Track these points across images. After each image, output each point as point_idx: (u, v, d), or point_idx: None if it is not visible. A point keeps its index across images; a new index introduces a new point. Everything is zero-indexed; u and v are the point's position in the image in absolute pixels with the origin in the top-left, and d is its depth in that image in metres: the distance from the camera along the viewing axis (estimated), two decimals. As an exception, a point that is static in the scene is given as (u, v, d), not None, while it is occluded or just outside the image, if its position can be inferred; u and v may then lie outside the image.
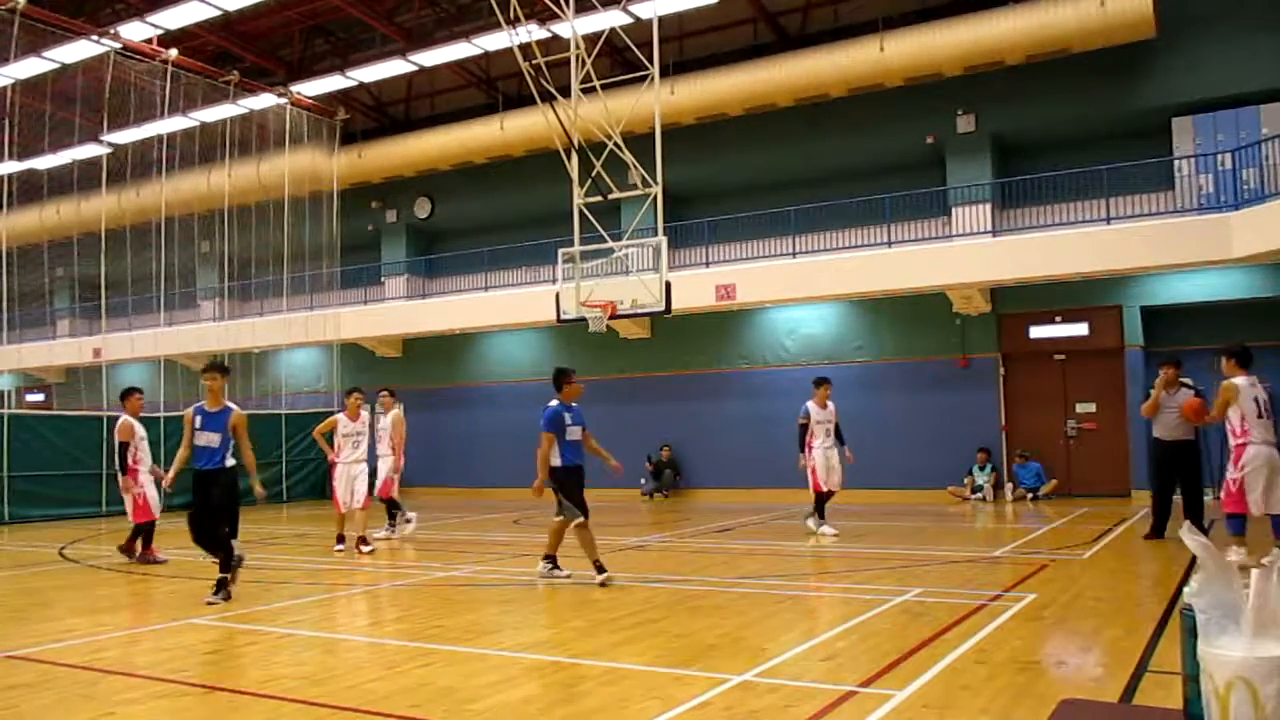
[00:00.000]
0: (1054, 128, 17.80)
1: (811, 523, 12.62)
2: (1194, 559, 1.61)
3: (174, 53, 19.53)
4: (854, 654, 6.19)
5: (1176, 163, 16.34)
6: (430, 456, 23.34)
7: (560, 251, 15.26)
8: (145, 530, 11.49)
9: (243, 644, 6.82)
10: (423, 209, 24.32)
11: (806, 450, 12.65)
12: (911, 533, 12.53)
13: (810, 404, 12.79)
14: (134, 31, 18.88)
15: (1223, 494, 9.24)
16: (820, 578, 9.32)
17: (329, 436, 12.34)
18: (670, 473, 20.13)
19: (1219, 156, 15.88)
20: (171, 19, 18.44)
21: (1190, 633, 1.61)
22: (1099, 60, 16.62)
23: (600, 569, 8.91)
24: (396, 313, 22.86)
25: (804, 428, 12.68)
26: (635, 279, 14.53)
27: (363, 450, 11.96)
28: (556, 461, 9.08)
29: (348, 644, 6.76)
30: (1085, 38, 16.12)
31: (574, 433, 9.17)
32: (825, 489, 12.60)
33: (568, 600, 8.49)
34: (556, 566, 9.35)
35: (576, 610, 7.86)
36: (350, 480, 11.82)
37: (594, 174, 14.69)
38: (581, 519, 9.01)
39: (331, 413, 22.74)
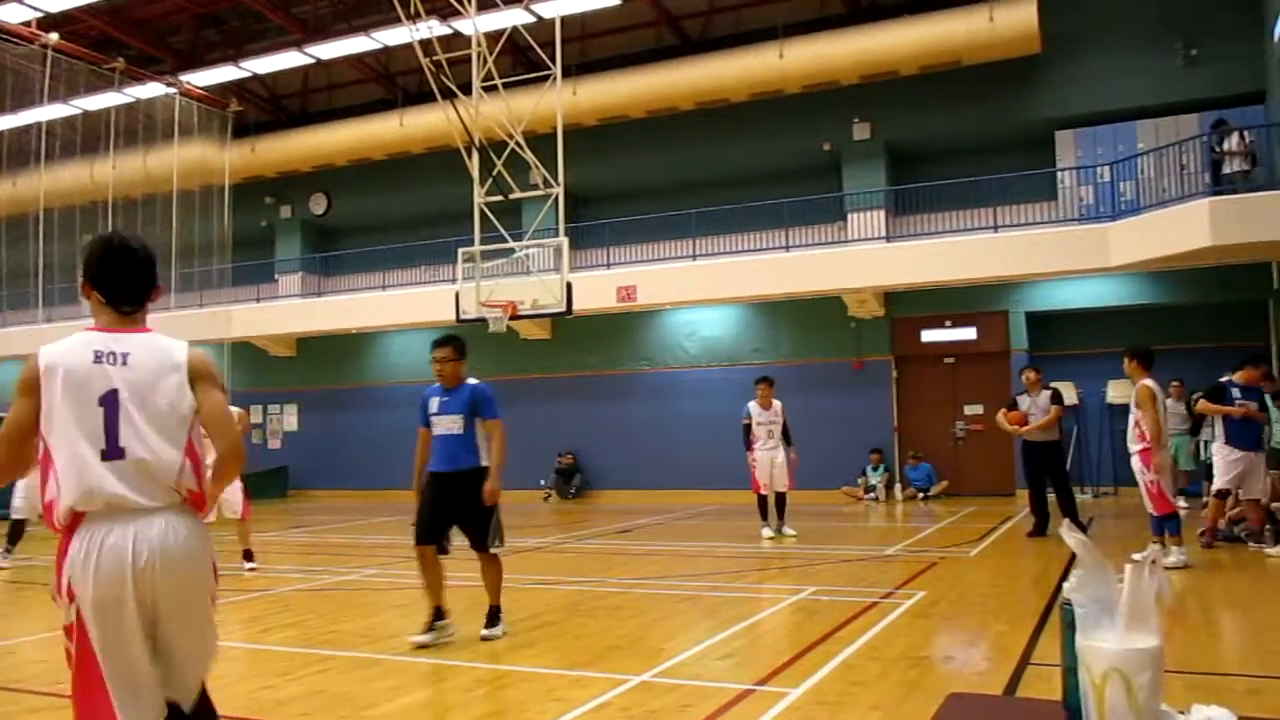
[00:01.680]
0: (946, 137, 18.36)
1: (767, 531, 12.30)
2: (1073, 556, 1.68)
3: (54, 37, 18.66)
4: (751, 652, 6.28)
5: (1059, 174, 17.00)
6: (327, 458, 22.86)
7: (460, 251, 15.11)
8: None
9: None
10: (319, 205, 23.80)
11: (750, 451, 12.35)
12: (807, 532, 12.75)
13: (752, 404, 12.41)
14: (11, 13, 17.97)
15: (1147, 499, 9.37)
16: (718, 577, 9.41)
17: None
18: (580, 476, 20.07)
19: (1098, 169, 16.57)
20: (52, 1, 17.65)
21: (1069, 626, 1.68)
22: (988, 73, 17.21)
23: (434, 620, 6.58)
24: (291, 311, 22.31)
25: (746, 428, 12.36)
26: (536, 279, 14.50)
27: None
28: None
29: (238, 651, 6.57)
30: (975, 51, 16.67)
31: (441, 424, 6.78)
32: (766, 491, 12.28)
33: (464, 604, 8.40)
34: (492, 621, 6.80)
35: (473, 613, 7.77)
36: (235, 487, 10.86)
37: (495, 173, 14.59)
38: (419, 543, 6.65)
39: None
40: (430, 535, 6.63)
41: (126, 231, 3.21)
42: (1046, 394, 11.80)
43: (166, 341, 3.09)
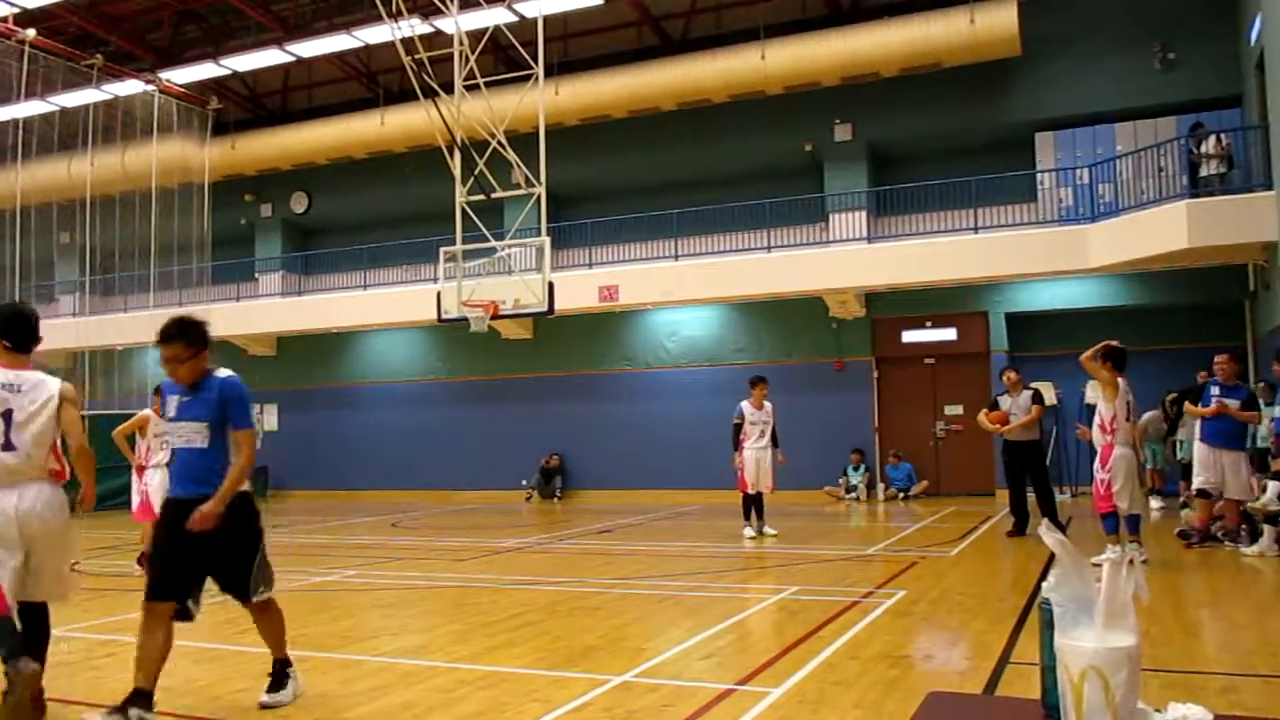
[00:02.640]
0: (926, 138, 18.42)
1: (749, 530, 12.31)
2: (1052, 555, 1.69)
3: (32, 33, 18.50)
4: (732, 652, 6.28)
5: (1038, 176, 17.09)
6: (305, 458, 22.74)
7: (442, 250, 15.06)
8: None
9: (100, 655, 6.52)
10: (299, 204, 23.67)
11: (739, 450, 12.33)
12: (788, 532, 12.78)
13: (745, 404, 12.43)
14: (-13, 9, 17.85)
15: (1093, 495, 9.54)
16: (700, 577, 9.42)
17: (131, 438, 11.01)
18: (561, 477, 20.01)
19: (1077, 171, 16.68)
20: (29, -3, 17.52)
21: (1048, 625, 1.69)
22: (969, 75, 17.29)
23: (133, 703, 4.68)
24: (270, 310, 22.18)
25: (737, 427, 12.35)
26: (518, 279, 14.46)
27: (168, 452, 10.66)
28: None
29: (214, 652, 6.53)
30: (955, 53, 16.73)
31: (179, 433, 5.07)
32: (753, 490, 12.28)
33: (445, 604, 8.39)
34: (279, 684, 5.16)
35: (454, 614, 7.77)
36: (163, 485, 10.04)
37: (477, 172, 14.55)
38: (153, 599, 4.82)
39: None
40: (171, 589, 4.83)
41: (22, 303, 5.36)
42: (1027, 394, 11.85)
43: (47, 378, 4.97)
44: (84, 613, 8.03)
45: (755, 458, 12.26)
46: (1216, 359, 10.51)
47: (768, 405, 12.45)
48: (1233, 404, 10.08)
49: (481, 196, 14.65)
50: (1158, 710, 1.63)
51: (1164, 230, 13.84)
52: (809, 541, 12.14)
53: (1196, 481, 10.35)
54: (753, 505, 12.42)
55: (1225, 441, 10.07)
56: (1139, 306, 16.75)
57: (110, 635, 7.12)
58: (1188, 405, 10.58)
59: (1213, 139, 14.72)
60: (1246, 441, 10.31)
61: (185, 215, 21.63)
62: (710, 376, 18.78)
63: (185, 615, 4.88)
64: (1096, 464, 9.38)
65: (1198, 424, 10.48)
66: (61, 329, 22.92)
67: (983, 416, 12.17)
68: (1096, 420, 9.44)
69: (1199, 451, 10.28)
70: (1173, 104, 16.34)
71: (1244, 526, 10.19)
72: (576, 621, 7.20)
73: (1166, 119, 16.28)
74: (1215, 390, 10.24)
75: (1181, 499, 13.67)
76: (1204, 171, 14.72)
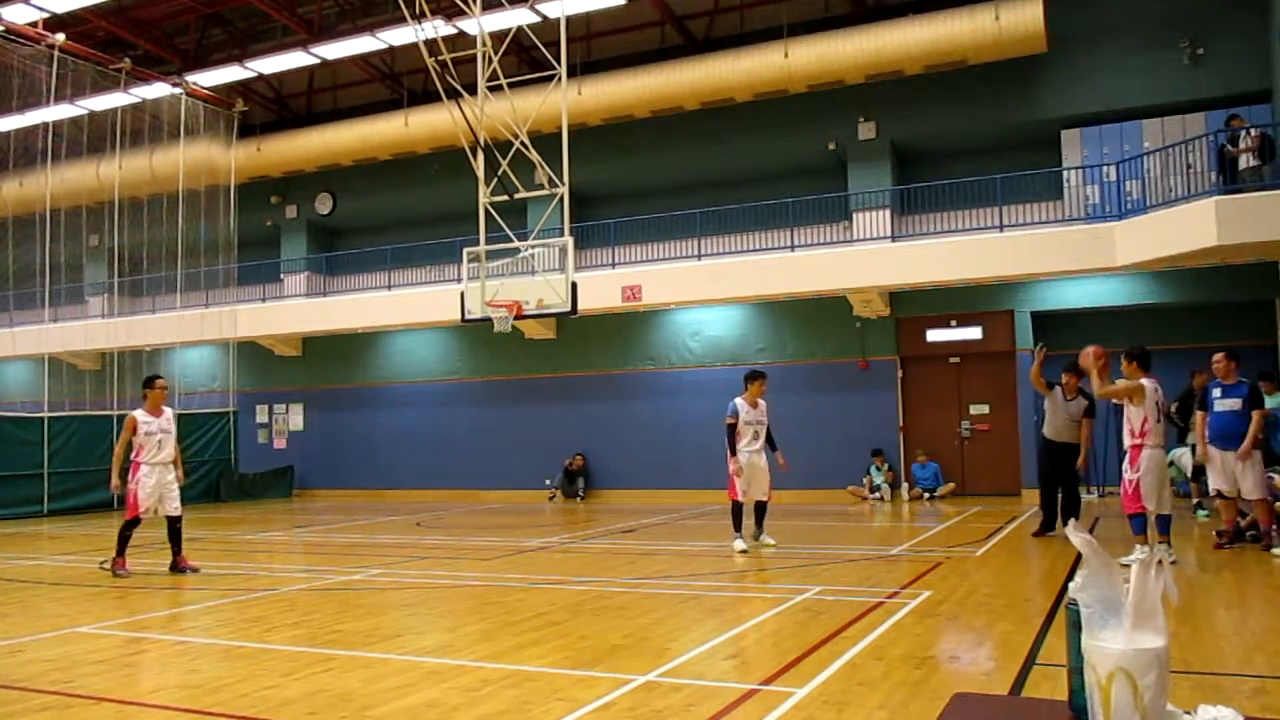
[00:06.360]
0: (951, 136, 18.32)
1: (739, 543, 11.04)
2: (1079, 555, 1.68)
3: (61, 37, 18.73)
4: (756, 652, 6.27)
5: (1065, 173, 16.96)
6: (330, 457, 22.89)
7: (465, 250, 15.12)
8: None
9: (131, 653, 6.58)
10: (324, 205, 23.83)
11: (733, 455, 11.18)
12: (813, 532, 12.74)
13: (739, 400, 11.30)
14: (18, 14, 18.05)
15: (1121, 495, 9.49)
16: (723, 577, 9.41)
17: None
18: (583, 479, 20.02)
19: (1104, 168, 16.53)
20: (59, 2, 17.70)
21: (1075, 626, 1.68)
22: (994, 72, 17.18)
23: None
24: (296, 311, 22.35)
25: (731, 427, 11.18)
26: (541, 279, 14.48)
27: (168, 452, 10.69)
28: None
29: (243, 650, 6.58)
30: (980, 50, 16.64)
31: None
32: (740, 499, 11.20)
33: (469, 603, 8.41)
34: None
35: (478, 613, 7.79)
36: (160, 482, 10.56)
37: (500, 173, 14.59)
38: None
39: (226, 413, 22.19)
40: None
41: None
42: (1082, 403, 11.52)
43: None
44: (114, 610, 8.11)
45: (749, 462, 11.19)
46: (1214, 358, 10.35)
47: (761, 404, 11.36)
48: (1233, 401, 9.99)
49: (505, 197, 14.69)
50: (1187, 712, 1.61)
51: (1192, 227, 13.69)
52: (833, 541, 12.09)
53: (1211, 485, 10.33)
54: (746, 514, 11.37)
55: (1232, 443, 9.99)
56: (1167, 305, 16.59)
57: (139, 633, 7.19)
58: (1199, 414, 10.48)
59: (1250, 131, 14.47)
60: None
61: (212, 217, 21.84)
62: (734, 376, 18.60)
63: None
64: (1125, 464, 9.32)
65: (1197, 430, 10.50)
66: (91, 330, 23.22)
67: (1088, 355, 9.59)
68: (1125, 424, 9.35)
69: (1208, 451, 10.25)
70: (1201, 100, 16.17)
71: (1275, 527, 10.08)
72: (601, 621, 7.21)
73: (1195, 115, 16.12)
74: (1216, 392, 10.17)
75: (1196, 500, 13.51)
76: (1244, 164, 14.47)
